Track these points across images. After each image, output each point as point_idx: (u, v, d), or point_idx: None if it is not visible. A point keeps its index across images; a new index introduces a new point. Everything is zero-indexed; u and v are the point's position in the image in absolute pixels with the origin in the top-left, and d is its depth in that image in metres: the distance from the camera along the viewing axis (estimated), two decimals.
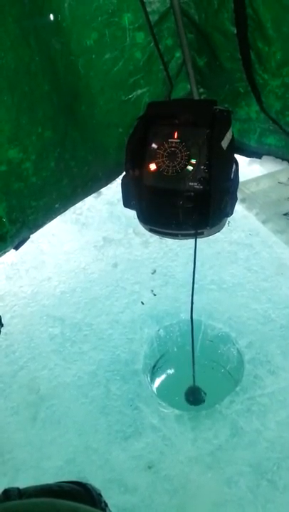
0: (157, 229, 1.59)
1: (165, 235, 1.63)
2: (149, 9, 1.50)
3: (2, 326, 1.83)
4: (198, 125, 1.47)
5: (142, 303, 2.75)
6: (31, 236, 1.66)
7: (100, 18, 1.41)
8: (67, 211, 1.77)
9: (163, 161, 1.47)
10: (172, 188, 1.47)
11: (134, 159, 1.54)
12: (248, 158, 1.88)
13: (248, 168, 3.75)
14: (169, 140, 1.48)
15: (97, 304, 2.77)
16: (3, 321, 1.82)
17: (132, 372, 2.36)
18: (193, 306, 1.66)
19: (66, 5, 1.31)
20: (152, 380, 2.44)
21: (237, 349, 2.45)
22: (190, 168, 1.43)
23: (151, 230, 1.61)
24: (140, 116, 1.60)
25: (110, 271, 3.03)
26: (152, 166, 1.48)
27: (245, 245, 3.09)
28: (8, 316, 2.71)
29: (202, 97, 1.83)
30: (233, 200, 1.55)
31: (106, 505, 0.67)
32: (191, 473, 1.93)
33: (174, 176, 1.45)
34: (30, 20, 1.24)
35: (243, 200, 3.46)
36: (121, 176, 1.67)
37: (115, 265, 3.06)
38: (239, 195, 1.85)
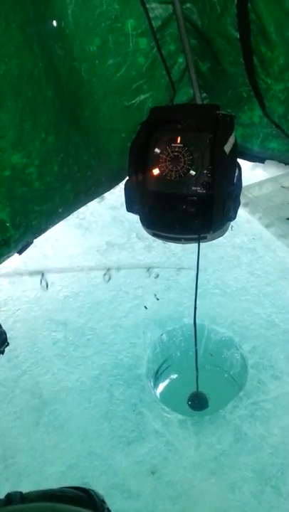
0: (160, 233, 1.59)
1: (168, 239, 1.63)
2: (152, 15, 1.50)
3: (7, 344, 1.82)
4: (201, 130, 1.47)
5: (145, 307, 2.75)
6: (34, 241, 1.66)
7: (103, 24, 1.41)
8: (71, 216, 1.77)
9: (166, 166, 1.48)
10: (175, 192, 1.47)
11: (137, 164, 1.55)
12: (251, 163, 1.88)
13: (251, 173, 3.76)
14: (172, 145, 1.48)
15: (100, 308, 2.77)
16: (6, 325, 1.82)
17: (135, 377, 2.35)
18: (197, 310, 1.66)
19: (69, 11, 1.32)
20: (155, 385, 2.44)
21: (240, 354, 2.44)
22: (193, 172, 1.44)
23: (154, 235, 1.61)
24: (143, 121, 1.61)
25: (113, 275, 3.03)
26: (155, 171, 1.49)
27: (249, 249, 3.09)
28: (12, 320, 2.71)
29: (205, 102, 1.83)
30: (236, 204, 1.55)
31: (109, 511, 0.67)
32: (195, 478, 1.92)
33: (177, 180, 1.46)
34: (34, 26, 1.25)
35: (246, 205, 3.46)
36: (124, 181, 1.67)
37: (118, 269, 3.07)
38: (242, 200, 1.85)
